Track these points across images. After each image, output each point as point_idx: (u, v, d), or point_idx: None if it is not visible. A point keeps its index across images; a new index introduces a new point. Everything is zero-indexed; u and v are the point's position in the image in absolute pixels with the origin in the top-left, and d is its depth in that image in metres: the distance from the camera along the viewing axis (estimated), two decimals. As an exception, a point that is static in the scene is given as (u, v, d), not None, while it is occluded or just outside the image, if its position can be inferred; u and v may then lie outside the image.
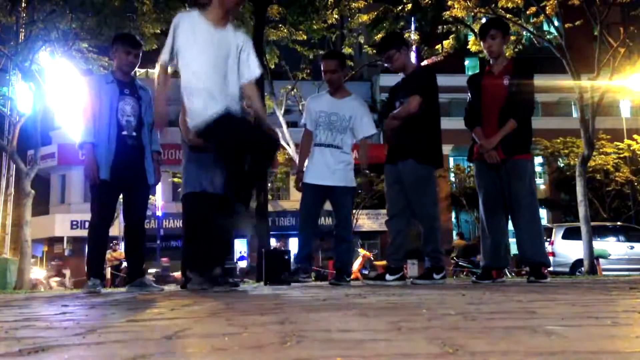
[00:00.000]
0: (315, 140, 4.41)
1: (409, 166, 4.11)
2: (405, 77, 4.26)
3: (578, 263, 12.43)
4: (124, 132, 3.97)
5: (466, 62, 26.31)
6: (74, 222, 24.25)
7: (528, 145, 4.16)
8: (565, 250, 13.28)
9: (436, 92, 4.20)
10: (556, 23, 12.35)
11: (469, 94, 4.27)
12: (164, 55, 3.37)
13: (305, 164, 4.46)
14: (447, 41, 13.40)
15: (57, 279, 15.73)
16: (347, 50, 15.66)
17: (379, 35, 12.89)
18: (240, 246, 23.28)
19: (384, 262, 9.61)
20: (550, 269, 12.85)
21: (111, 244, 14.40)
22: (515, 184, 4.01)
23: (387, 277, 4.18)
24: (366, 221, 23.35)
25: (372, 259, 16.30)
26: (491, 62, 4.21)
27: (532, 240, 4.00)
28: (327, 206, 4.56)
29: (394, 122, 4.17)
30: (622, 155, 20.78)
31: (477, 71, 4.63)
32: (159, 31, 11.71)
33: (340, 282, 4.26)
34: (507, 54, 12.81)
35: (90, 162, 3.87)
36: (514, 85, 4.02)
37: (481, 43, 4.27)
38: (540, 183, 29.31)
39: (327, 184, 4.33)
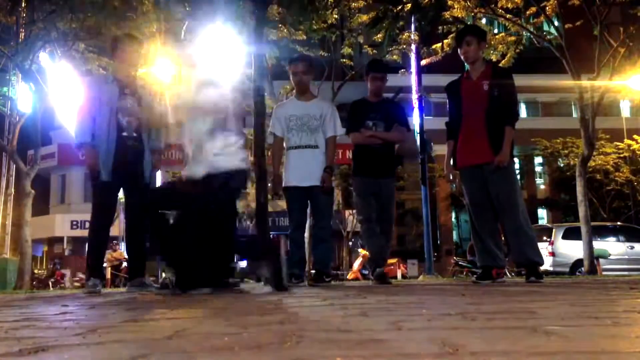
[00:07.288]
0: (289, 144, 4.47)
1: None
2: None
3: (578, 263, 12.41)
4: (124, 133, 3.94)
5: (466, 62, 26.28)
6: (74, 222, 24.25)
7: (511, 147, 4.20)
8: (565, 250, 13.26)
9: None
10: (556, 23, 12.33)
11: (448, 100, 4.33)
12: None
13: (281, 169, 4.55)
14: (447, 41, 13.36)
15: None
16: (347, 50, 15.61)
17: (379, 36, 12.84)
18: (240, 246, 23.20)
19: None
20: (550, 268, 12.87)
21: (111, 244, 14.40)
22: (500, 185, 4.06)
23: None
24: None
25: None
26: (469, 68, 4.27)
27: (523, 240, 4.03)
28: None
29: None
30: (622, 155, 20.78)
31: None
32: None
33: (319, 283, 4.25)
34: (508, 55, 12.74)
35: (93, 161, 3.85)
36: (495, 88, 4.07)
37: (458, 49, 4.34)
38: (540, 183, 29.31)
39: (308, 185, 4.36)
